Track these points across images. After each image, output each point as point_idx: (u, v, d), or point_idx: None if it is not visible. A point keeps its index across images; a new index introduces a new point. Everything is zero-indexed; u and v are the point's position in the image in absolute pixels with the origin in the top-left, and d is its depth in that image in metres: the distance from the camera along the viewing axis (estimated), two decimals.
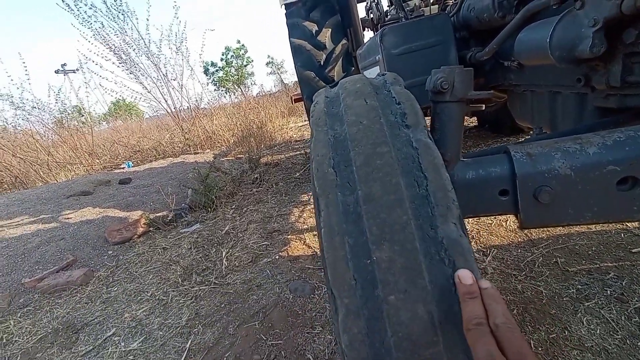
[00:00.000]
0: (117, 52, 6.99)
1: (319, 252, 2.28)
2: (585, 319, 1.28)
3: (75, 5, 6.62)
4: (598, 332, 1.22)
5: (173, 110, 7.75)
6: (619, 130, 0.79)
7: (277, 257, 2.32)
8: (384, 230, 0.53)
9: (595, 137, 0.80)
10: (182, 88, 7.83)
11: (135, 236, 3.16)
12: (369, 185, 0.57)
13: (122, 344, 1.77)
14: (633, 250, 1.57)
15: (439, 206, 0.54)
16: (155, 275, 2.42)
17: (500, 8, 1.39)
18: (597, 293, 1.38)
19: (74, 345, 1.84)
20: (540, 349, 1.20)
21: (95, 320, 2.03)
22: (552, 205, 0.81)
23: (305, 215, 2.94)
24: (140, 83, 7.33)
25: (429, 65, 1.36)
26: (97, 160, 7.12)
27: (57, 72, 19.67)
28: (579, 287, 1.43)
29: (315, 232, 2.59)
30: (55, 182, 6.11)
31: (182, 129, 7.46)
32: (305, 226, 2.72)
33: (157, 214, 3.47)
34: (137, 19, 7.06)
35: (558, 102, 1.38)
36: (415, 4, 2.82)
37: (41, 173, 6.33)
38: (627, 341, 1.17)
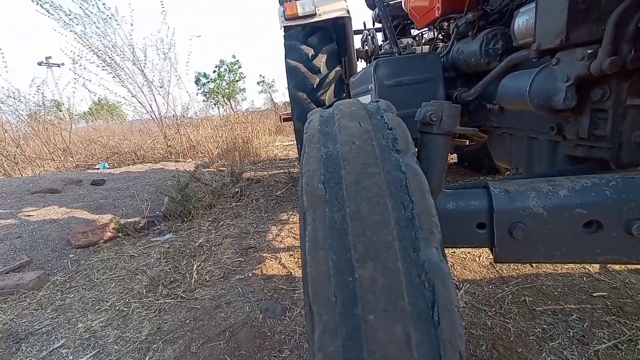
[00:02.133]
0: (100, 55, 6.87)
1: (294, 273, 2.23)
2: (549, 358, 1.30)
3: (54, 10, 6.47)
4: None
5: (158, 116, 7.62)
6: (587, 177, 0.85)
7: (250, 274, 2.25)
8: (368, 248, 0.54)
9: (566, 181, 0.86)
10: (168, 95, 7.76)
11: (102, 241, 2.99)
12: (357, 203, 0.58)
13: (71, 357, 1.62)
14: (594, 294, 1.64)
15: (423, 230, 0.56)
16: (118, 284, 2.28)
17: (486, 55, 1.51)
18: (560, 334, 1.42)
19: (13, 356, 1.67)
20: None
21: (43, 329, 1.86)
22: (525, 242, 0.84)
23: (283, 234, 2.90)
24: (125, 87, 7.21)
25: (418, 99, 1.44)
26: (71, 158, 6.81)
27: (40, 64, 19.08)
28: (545, 326, 1.46)
29: (291, 253, 2.54)
30: (20, 176, 5.75)
31: (166, 136, 7.32)
32: (282, 245, 2.68)
33: (129, 220, 3.32)
34: (117, 24, 6.94)
35: (534, 146, 1.47)
36: (407, 42, 3.00)
37: (5, 166, 5.96)
38: None
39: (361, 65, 4.02)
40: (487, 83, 1.51)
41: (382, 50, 3.22)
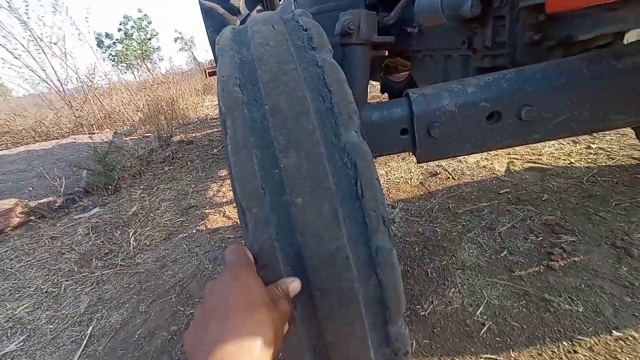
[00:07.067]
0: None
1: (239, 222, 2.21)
2: (467, 246, 1.54)
3: None
4: (474, 254, 1.49)
5: (56, 83, 6.40)
6: (490, 74, 0.94)
7: (194, 231, 2.18)
8: (290, 139, 0.53)
9: (473, 79, 0.93)
10: (65, 56, 6.48)
11: (8, 228, 2.58)
12: (275, 100, 0.56)
13: None
14: (500, 192, 1.93)
15: (342, 115, 0.56)
16: (41, 269, 2.03)
17: None
18: (475, 226, 1.67)
19: None
20: (435, 273, 1.41)
21: None
22: (441, 139, 0.92)
23: (224, 189, 2.81)
24: (3, 46, 5.80)
25: None
26: None
27: None
28: (464, 223, 1.71)
29: (235, 205, 2.50)
30: None
31: (72, 107, 6.25)
32: (225, 199, 2.61)
33: (41, 201, 2.89)
34: None
35: (449, 64, 1.57)
36: None
37: None
38: (492, 256, 1.46)
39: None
40: (406, 3, 1.52)
41: None
